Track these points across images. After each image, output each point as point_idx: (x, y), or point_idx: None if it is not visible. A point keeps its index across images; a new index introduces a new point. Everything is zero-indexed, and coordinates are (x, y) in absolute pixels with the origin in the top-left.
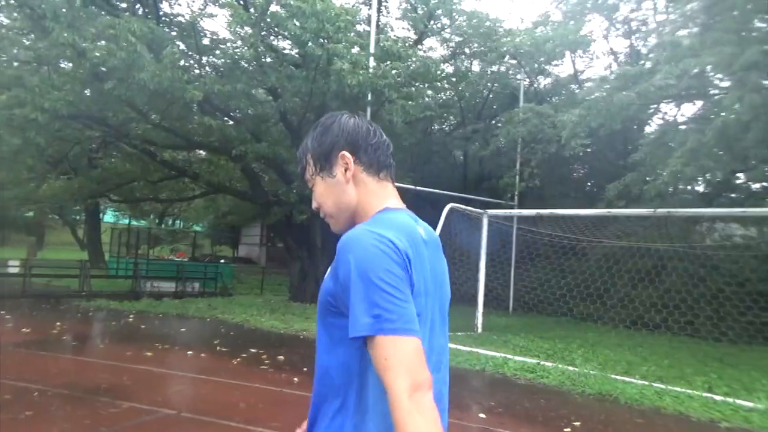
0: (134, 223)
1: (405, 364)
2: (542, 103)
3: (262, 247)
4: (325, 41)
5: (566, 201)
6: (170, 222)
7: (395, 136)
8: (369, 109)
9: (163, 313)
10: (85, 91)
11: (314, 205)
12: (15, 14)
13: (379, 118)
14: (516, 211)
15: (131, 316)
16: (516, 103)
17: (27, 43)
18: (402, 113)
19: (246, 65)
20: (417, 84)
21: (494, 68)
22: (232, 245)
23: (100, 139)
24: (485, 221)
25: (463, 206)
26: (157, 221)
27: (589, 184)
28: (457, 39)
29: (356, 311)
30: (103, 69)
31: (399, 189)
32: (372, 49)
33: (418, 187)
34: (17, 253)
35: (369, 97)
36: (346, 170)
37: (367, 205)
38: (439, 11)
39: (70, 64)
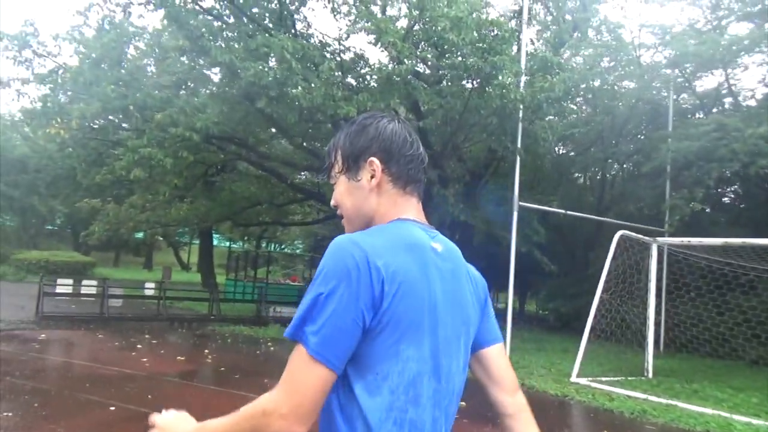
0: (233, 245)
1: (296, 383)
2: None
3: None
4: (488, 54)
5: (718, 228)
6: (264, 245)
7: (539, 156)
8: (520, 126)
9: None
10: (221, 111)
11: (333, 202)
12: (178, 38)
13: (529, 135)
14: (696, 240)
15: (269, 343)
16: (660, 119)
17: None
18: (551, 131)
19: (393, 81)
20: (566, 100)
21: (631, 83)
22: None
23: (225, 162)
24: (654, 250)
25: (633, 233)
26: (254, 244)
27: (741, 205)
28: (588, 52)
29: (297, 311)
30: (256, 88)
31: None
32: (523, 62)
33: (568, 212)
34: (129, 273)
35: (521, 114)
36: (372, 177)
37: (384, 216)
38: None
39: (208, 88)
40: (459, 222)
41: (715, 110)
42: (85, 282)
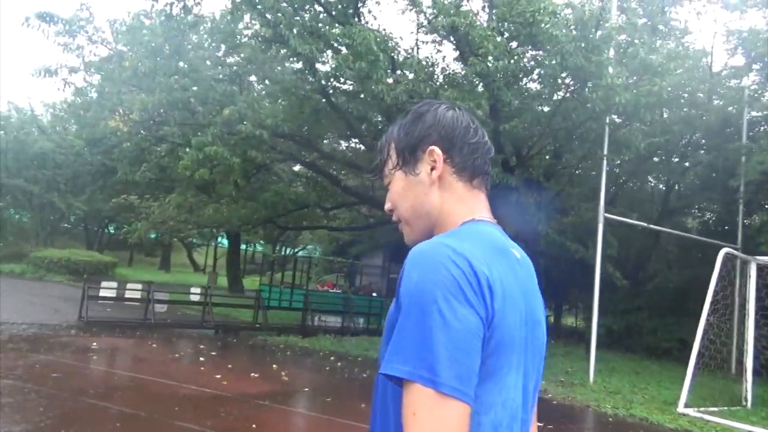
0: (256, 249)
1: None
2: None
3: (383, 278)
4: (590, 53)
5: None
6: (277, 248)
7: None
8: (607, 131)
9: (362, 357)
10: (291, 106)
11: (387, 206)
12: (254, 23)
13: (615, 142)
14: None
15: (332, 357)
16: (728, 130)
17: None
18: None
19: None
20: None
21: (699, 92)
22: (346, 274)
23: (272, 161)
24: (753, 269)
25: (735, 251)
26: (271, 248)
27: None
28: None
29: (399, 342)
30: (334, 83)
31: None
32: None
33: (651, 226)
34: (149, 274)
35: (607, 119)
36: (432, 169)
37: (452, 214)
38: (661, 26)
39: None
40: (529, 232)
41: None
42: (129, 285)
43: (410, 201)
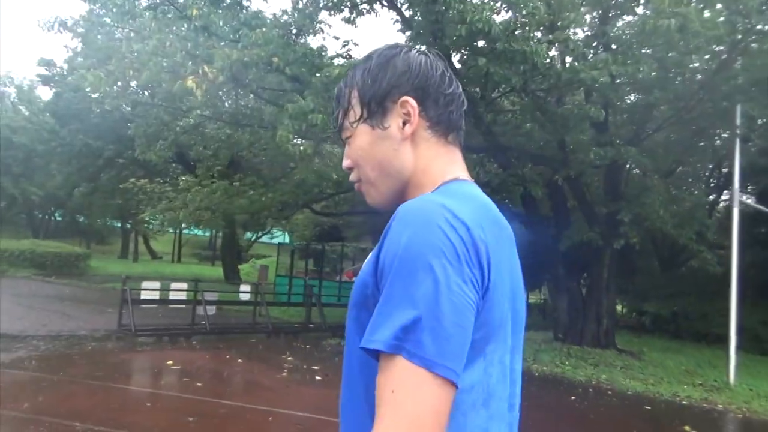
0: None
1: (414, 415)
2: None
3: None
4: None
5: None
6: (249, 235)
7: None
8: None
9: None
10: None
11: (346, 163)
12: None
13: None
14: None
15: None
16: None
17: None
18: None
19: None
20: None
21: None
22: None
23: None
24: None
25: None
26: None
27: None
28: None
29: (383, 312)
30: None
31: None
32: None
33: None
34: (109, 264)
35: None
36: (405, 123)
37: (428, 173)
38: None
39: None
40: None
41: None
42: (174, 285)
43: (377, 158)
